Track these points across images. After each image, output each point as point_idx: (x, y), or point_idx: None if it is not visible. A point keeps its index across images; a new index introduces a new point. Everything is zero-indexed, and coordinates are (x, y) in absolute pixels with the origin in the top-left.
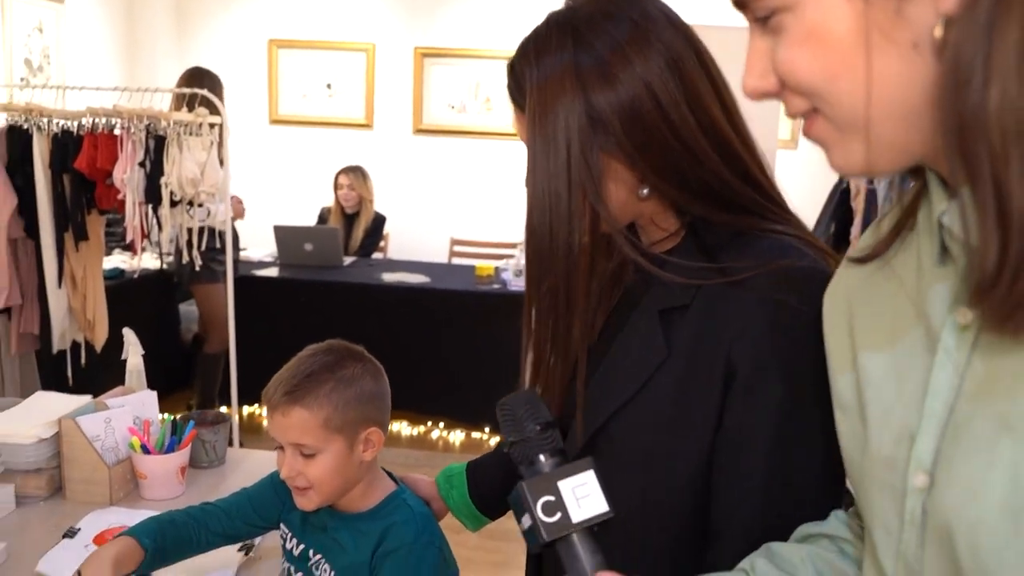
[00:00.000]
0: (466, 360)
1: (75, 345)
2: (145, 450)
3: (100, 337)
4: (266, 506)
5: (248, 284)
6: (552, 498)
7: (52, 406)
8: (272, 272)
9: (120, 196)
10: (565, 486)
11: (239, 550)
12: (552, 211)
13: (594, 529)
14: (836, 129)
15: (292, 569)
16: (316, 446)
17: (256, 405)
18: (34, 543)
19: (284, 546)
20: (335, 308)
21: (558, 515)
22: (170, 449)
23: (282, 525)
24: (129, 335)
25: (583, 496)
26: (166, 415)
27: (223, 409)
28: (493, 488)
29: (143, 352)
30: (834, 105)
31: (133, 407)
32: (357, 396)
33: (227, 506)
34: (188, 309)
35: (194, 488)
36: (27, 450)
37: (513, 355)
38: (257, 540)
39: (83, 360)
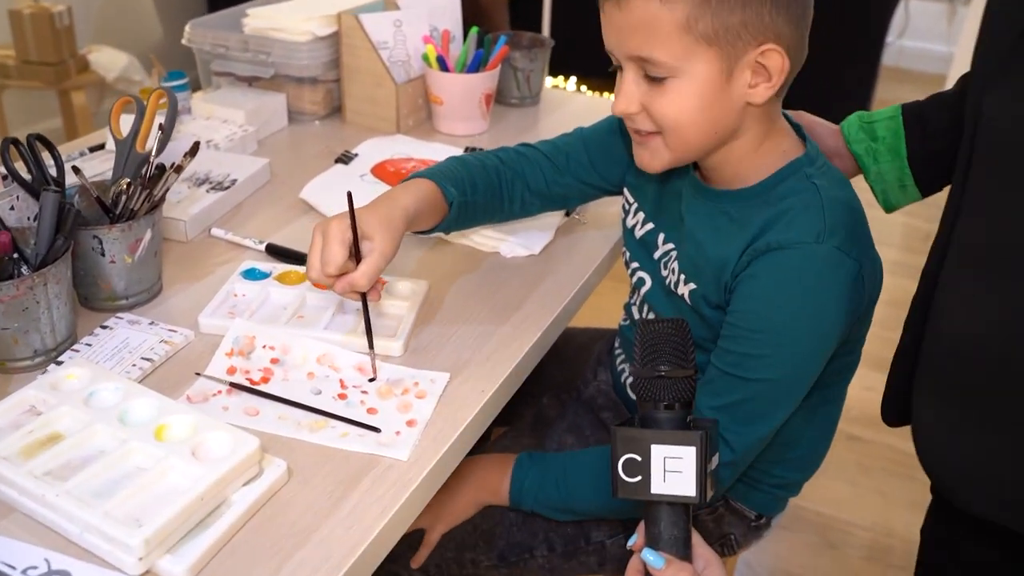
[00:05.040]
0: None
1: None
2: (443, 66)
3: None
4: (607, 157)
5: None
6: (638, 458)
7: (333, 1)
8: None
9: None
10: (658, 452)
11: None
12: None
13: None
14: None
15: (629, 256)
16: (670, 63)
17: (560, 78)
18: (303, 166)
19: (624, 221)
20: None
21: (638, 478)
22: (473, 68)
23: (625, 191)
24: None
25: (673, 470)
26: (474, 27)
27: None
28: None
29: None
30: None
31: (431, 11)
32: None
33: (552, 152)
34: None
35: (497, 128)
36: (300, 51)
37: None
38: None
39: None
